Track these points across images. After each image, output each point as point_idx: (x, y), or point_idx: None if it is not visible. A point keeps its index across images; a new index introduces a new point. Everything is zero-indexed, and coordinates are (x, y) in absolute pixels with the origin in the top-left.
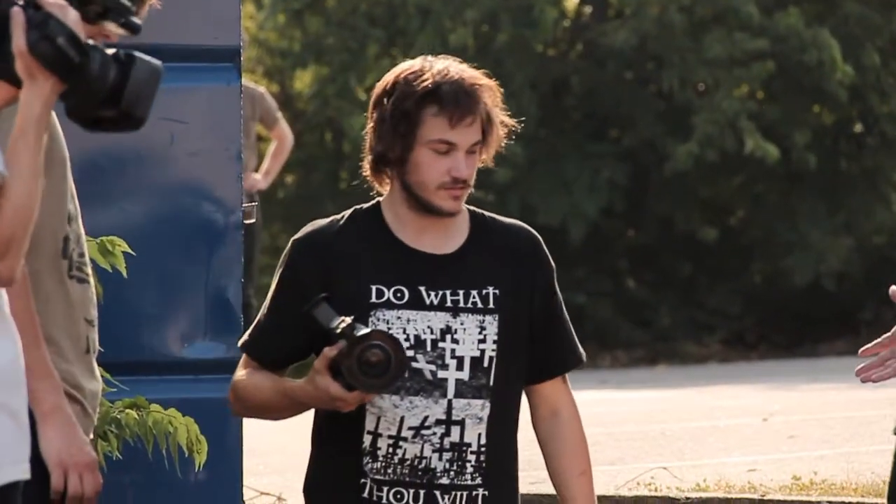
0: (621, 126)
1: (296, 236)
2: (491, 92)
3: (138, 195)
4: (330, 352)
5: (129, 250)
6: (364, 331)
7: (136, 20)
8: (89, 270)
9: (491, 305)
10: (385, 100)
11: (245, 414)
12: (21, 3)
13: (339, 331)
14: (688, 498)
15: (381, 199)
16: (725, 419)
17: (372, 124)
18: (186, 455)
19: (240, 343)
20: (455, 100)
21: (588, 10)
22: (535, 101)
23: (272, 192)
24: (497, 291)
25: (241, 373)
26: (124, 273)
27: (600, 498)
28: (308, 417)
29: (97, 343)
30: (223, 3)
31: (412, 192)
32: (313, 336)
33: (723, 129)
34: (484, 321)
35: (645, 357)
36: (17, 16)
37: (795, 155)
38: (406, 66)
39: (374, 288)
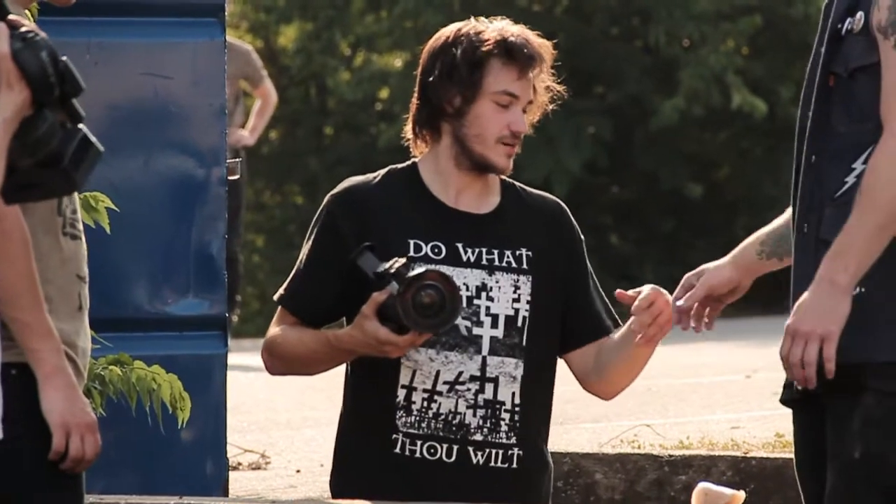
0: (607, 82)
1: (333, 192)
2: (550, 54)
3: (122, 151)
4: (379, 296)
5: (113, 206)
6: (418, 270)
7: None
8: (81, 227)
9: (525, 266)
10: (444, 54)
11: (283, 370)
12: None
13: (392, 271)
14: (671, 455)
15: (416, 160)
16: (709, 376)
17: (427, 78)
18: (170, 412)
19: (276, 297)
20: (524, 52)
21: None
22: None
23: (256, 148)
24: (530, 253)
25: (275, 329)
26: (107, 229)
27: (583, 455)
28: (293, 378)
29: (87, 298)
30: None
31: (466, 146)
32: (353, 289)
33: (709, 84)
34: (518, 281)
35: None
36: (2, 26)
37: (781, 110)
38: (462, 24)
39: (412, 242)
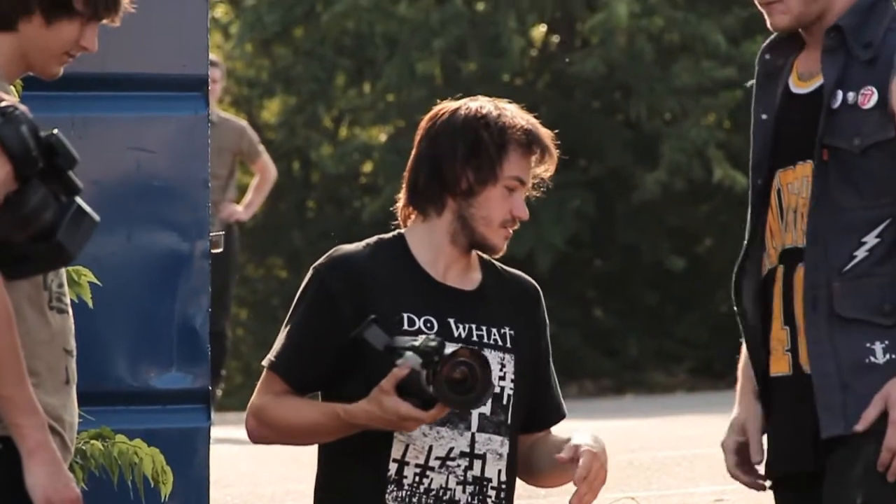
0: (589, 155)
1: (325, 260)
2: (554, 144)
3: (105, 224)
4: (400, 371)
5: (96, 280)
6: (453, 348)
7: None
8: (68, 300)
9: (508, 345)
10: (468, 133)
11: (273, 440)
12: None
13: (424, 348)
14: None
15: (403, 230)
16: (693, 448)
17: (442, 153)
18: (152, 486)
19: (266, 363)
20: (541, 142)
21: (555, 39)
22: None
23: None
24: (513, 332)
25: (265, 397)
26: (90, 303)
27: None
28: (276, 451)
29: (75, 372)
30: (191, 32)
31: (469, 226)
32: (346, 359)
33: (691, 158)
34: (504, 359)
35: (612, 387)
36: None
37: None
38: (477, 103)
39: (405, 316)
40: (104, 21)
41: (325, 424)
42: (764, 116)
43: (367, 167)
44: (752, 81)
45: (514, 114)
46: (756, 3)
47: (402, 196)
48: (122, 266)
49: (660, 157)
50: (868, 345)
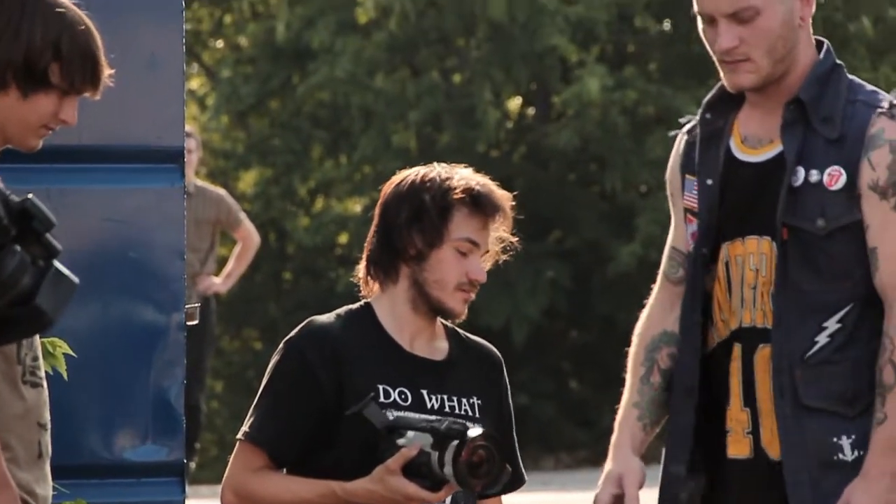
0: (564, 227)
1: (301, 332)
2: (510, 205)
3: (80, 296)
4: (409, 451)
5: (71, 352)
6: (476, 431)
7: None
8: (42, 374)
9: (477, 415)
10: (412, 198)
11: None
12: None
13: (447, 431)
14: None
15: (369, 300)
16: None
17: (390, 220)
18: None
19: (245, 435)
20: (489, 202)
21: (531, 111)
22: None
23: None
24: (480, 402)
25: (246, 473)
26: (65, 375)
27: None
28: None
29: (49, 447)
30: (167, 103)
31: (424, 291)
32: (323, 431)
33: (666, 230)
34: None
35: (588, 458)
36: None
37: None
38: (427, 169)
39: (381, 388)
40: (84, 94)
41: (319, 502)
42: (709, 182)
43: (343, 238)
44: (677, 132)
45: (464, 177)
46: (716, 59)
47: (361, 268)
48: (98, 338)
49: (635, 229)
50: (835, 439)
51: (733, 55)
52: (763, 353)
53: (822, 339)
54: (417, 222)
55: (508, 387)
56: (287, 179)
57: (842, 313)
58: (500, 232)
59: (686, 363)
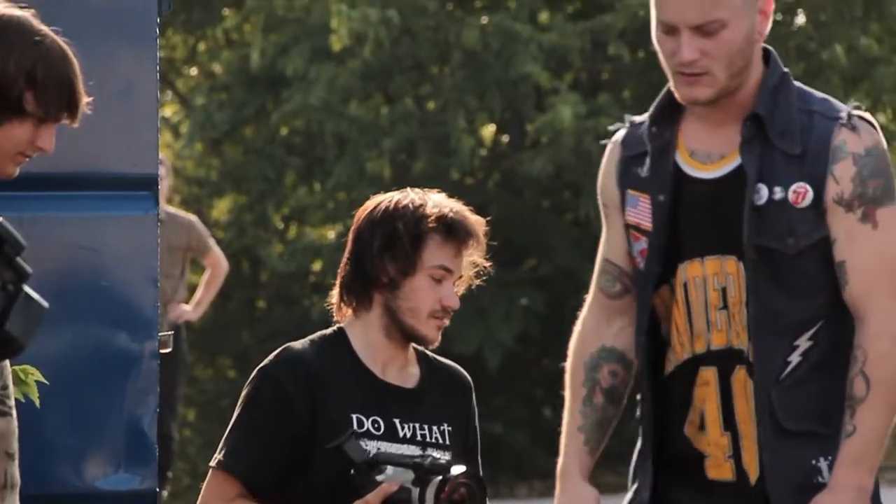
0: (538, 254)
1: (277, 359)
2: (483, 231)
3: (53, 324)
4: (389, 487)
5: (43, 379)
6: (459, 469)
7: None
8: (12, 402)
9: (447, 442)
10: (385, 225)
11: None
12: None
13: (430, 466)
14: None
15: (342, 325)
16: None
17: (363, 247)
18: None
19: (218, 463)
20: (462, 229)
21: (505, 139)
22: None
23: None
24: (450, 429)
25: (220, 502)
26: (37, 403)
27: None
28: None
29: (17, 477)
30: (141, 131)
31: (398, 318)
32: (297, 459)
33: None
34: (444, 456)
35: None
36: None
37: None
38: (400, 196)
39: (354, 417)
40: (63, 121)
41: None
42: (661, 198)
43: (317, 266)
44: (607, 141)
45: (437, 203)
46: (671, 70)
47: (335, 294)
48: (70, 366)
49: None
50: (814, 462)
51: (693, 68)
52: (740, 375)
53: (795, 358)
54: (390, 250)
55: (476, 410)
56: (261, 207)
57: (813, 330)
58: (474, 257)
59: (643, 388)
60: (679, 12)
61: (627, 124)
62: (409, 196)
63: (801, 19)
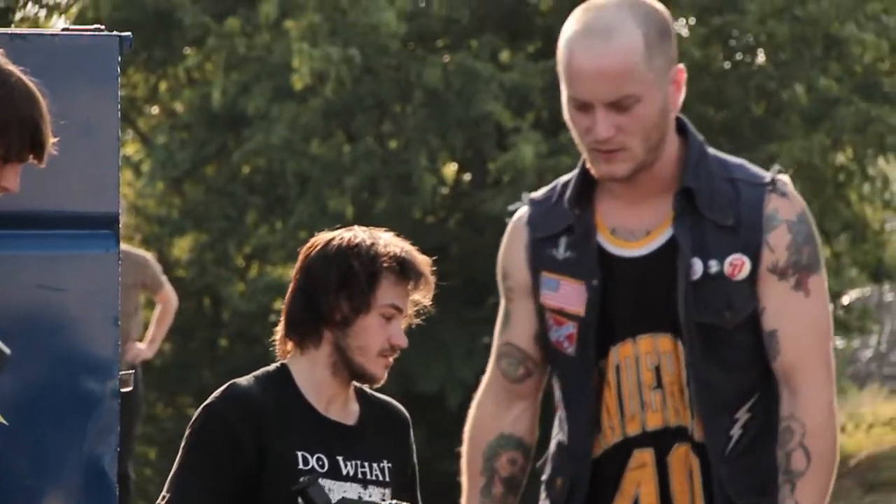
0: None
1: (222, 396)
2: (430, 270)
3: (13, 364)
4: None
5: (2, 420)
6: None
7: None
8: None
9: (387, 478)
10: (340, 263)
11: None
12: None
13: None
14: None
15: (285, 362)
16: None
17: (315, 285)
18: None
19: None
20: (414, 269)
21: (467, 177)
22: None
23: (149, 360)
24: (390, 465)
25: None
26: None
27: None
28: None
29: None
30: (102, 169)
31: (347, 357)
32: (245, 499)
33: None
34: (385, 494)
35: None
36: None
37: None
38: (350, 234)
39: (300, 455)
40: (30, 162)
41: None
42: (595, 282)
43: (279, 304)
44: (509, 220)
45: (388, 242)
46: (586, 148)
47: (280, 329)
48: (30, 406)
49: None
50: None
51: (609, 144)
52: (678, 454)
53: (736, 431)
54: (346, 288)
55: (414, 445)
56: (222, 245)
57: (751, 402)
58: (418, 296)
59: (581, 475)
60: (592, 89)
61: (527, 203)
62: (360, 235)
63: (761, 59)
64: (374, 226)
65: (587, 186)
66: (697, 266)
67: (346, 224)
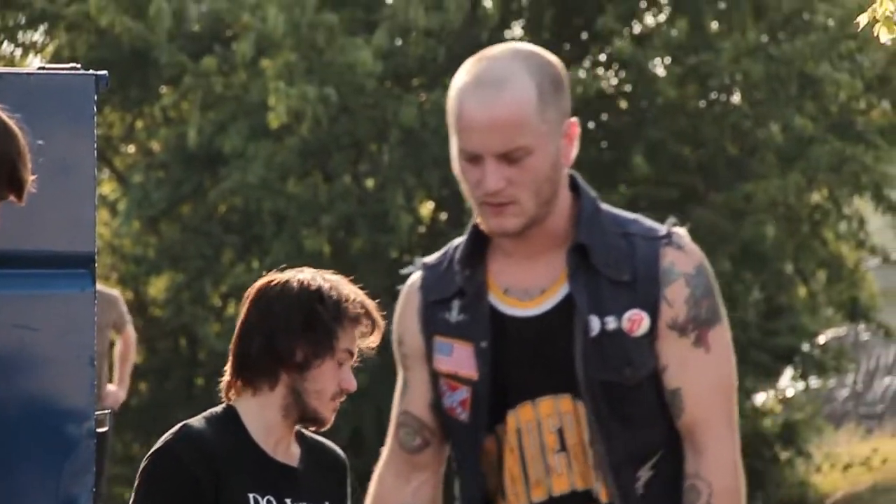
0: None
1: (178, 439)
2: (381, 316)
3: None
4: None
5: None
6: None
7: None
8: None
9: None
10: (304, 307)
11: None
12: None
13: None
14: None
15: (233, 403)
16: None
17: (275, 326)
18: None
19: None
20: (370, 314)
21: (444, 216)
22: (391, 307)
23: (125, 400)
24: None
25: None
26: None
27: None
28: None
29: None
30: (78, 208)
31: (301, 400)
32: None
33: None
34: None
35: None
36: None
37: None
38: (305, 276)
39: (251, 497)
40: (8, 199)
41: None
42: (483, 345)
43: None
44: (401, 286)
45: (347, 287)
46: (477, 202)
47: (228, 368)
48: (6, 445)
49: None
50: None
51: (500, 197)
52: None
53: (639, 488)
54: (310, 332)
55: (350, 487)
56: (198, 284)
57: (654, 460)
58: (371, 340)
59: None
60: (482, 140)
61: (420, 267)
62: (317, 278)
63: (736, 98)
64: (350, 265)
65: (479, 246)
66: (595, 323)
67: (322, 263)
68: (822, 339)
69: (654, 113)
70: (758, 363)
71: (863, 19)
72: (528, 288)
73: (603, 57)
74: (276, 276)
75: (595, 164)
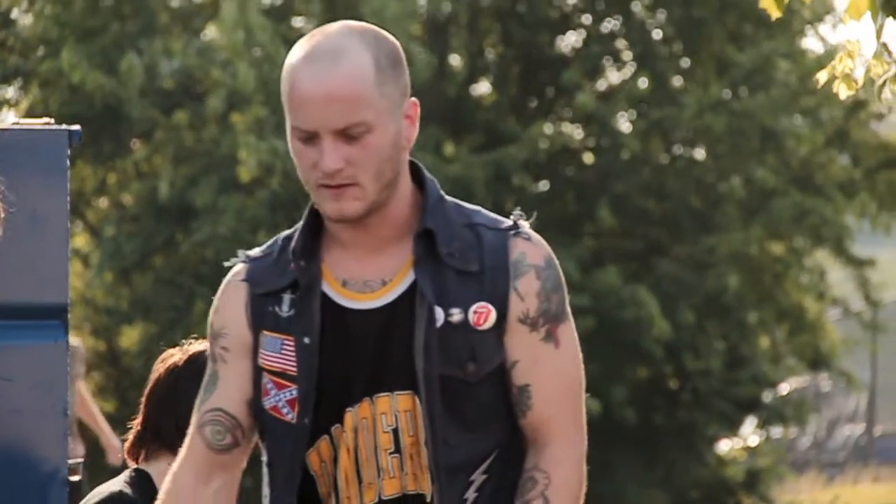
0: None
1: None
2: None
3: None
4: None
5: None
6: None
7: None
8: None
9: None
10: (198, 382)
11: None
12: None
13: None
14: None
15: (144, 467)
16: None
17: (188, 396)
18: None
19: None
20: None
21: None
22: None
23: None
24: None
25: None
26: None
27: None
28: None
29: None
30: (51, 261)
31: None
32: None
33: None
34: None
35: None
36: None
37: (614, 410)
38: (194, 349)
39: None
40: None
41: None
42: (307, 340)
43: None
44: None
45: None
46: (313, 185)
47: (135, 434)
48: None
49: None
50: None
51: (338, 178)
52: None
53: (470, 495)
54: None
55: None
56: (170, 335)
57: (487, 462)
58: None
59: None
60: (318, 116)
61: (243, 259)
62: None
63: (700, 153)
64: None
65: (314, 236)
66: (439, 314)
67: None
68: (784, 389)
69: (619, 167)
70: (721, 412)
71: (822, 76)
72: (367, 279)
73: (568, 112)
74: (186, 349)
75: (561, 216)
